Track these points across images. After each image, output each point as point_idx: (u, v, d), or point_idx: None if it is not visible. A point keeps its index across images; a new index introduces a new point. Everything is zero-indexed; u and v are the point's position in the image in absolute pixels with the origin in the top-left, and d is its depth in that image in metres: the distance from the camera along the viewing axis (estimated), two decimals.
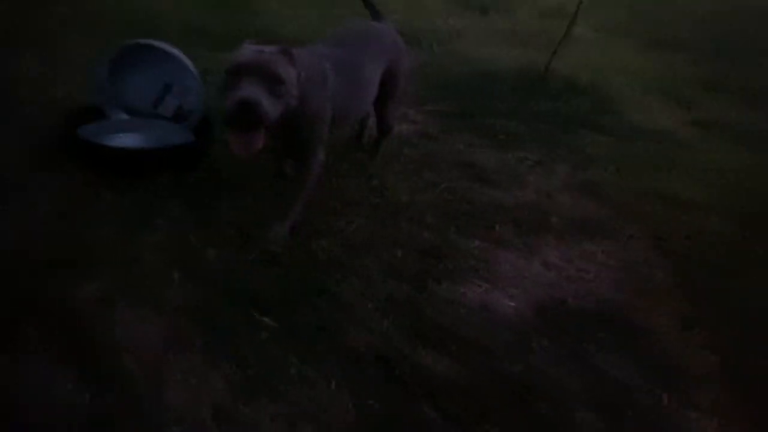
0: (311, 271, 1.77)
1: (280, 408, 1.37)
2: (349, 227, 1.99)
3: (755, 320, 1.85)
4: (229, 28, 3.36)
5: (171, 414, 1.31)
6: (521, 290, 1.87)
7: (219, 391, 1.38)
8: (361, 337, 1.57)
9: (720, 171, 2.76)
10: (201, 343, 1.48)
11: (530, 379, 1.54)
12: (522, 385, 1.52)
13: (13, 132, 2.14)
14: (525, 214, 2.25)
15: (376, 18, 2.31)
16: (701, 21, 5.53)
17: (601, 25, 4.96)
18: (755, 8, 6.14)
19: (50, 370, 1.35)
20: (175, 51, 2.27)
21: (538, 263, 2.02)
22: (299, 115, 1.75)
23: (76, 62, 2.70)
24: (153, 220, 1.84)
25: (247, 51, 1.67)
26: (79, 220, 1.81)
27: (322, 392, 1.42)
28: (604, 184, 2.54)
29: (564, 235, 2.19)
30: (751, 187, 2.65)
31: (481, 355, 1.59)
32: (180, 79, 2.31)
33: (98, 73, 2.28)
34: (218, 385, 1.39)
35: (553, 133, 2.93)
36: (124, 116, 2.32)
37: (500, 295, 1.84)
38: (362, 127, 2.54)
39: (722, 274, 2.05)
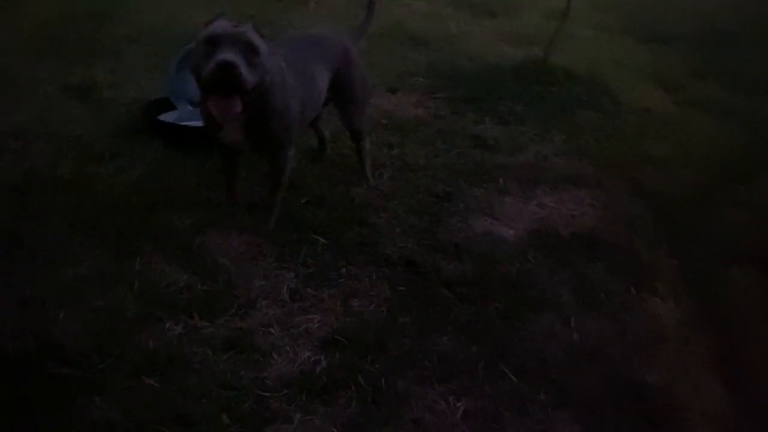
0: (351, 209, 2.32)
1: (335, 291, 1.92)
2: (378, 181, 2.54)
3: (710, 237, 2.37)
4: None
5: (259, 293, 1.86)
6: (519, 222, 2.41)
7: (291, 280, 1.93)
8: (392, 249, 2.12)
9: (694, 138, 3.29)
10: (275, 253, 2.03)
11: (524, 275, 2.08)
12: (518, 279, 2.05)
13: (105, 118, 2.74)
14: (524, 171, 2.79)
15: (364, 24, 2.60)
16: (696, 15, 6.07)
17: (600, 25, 5.52)
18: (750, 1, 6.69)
19: (167, 269, 1.91)
20: None
21: (534, 205, 2.56)
22: (268, 108, 1.94)
23: (139, 69, 3.31)
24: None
25: (223, 23, 1.83)
26: (166, 177, 2.38)
27: (365, 282, 1.97)
28: (593, 149, 3.07)
29: (557, 185, 2.72)
30: (719, 149, 3.17)
31: (485, 260, 2.12)
32: None
33: (167, 72, 2.88)
34: (290, 276, 1.94)
35: (551, 111, 3.46)
36: (189, 107, 2.90)
37: (501, 226, 2.38)
38: (321, 141, 2.68)
39: (687, 208, 2.57)
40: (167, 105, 2.87)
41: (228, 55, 1.73)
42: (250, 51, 1.79)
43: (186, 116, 2.79)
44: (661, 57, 4.79)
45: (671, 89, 4.07)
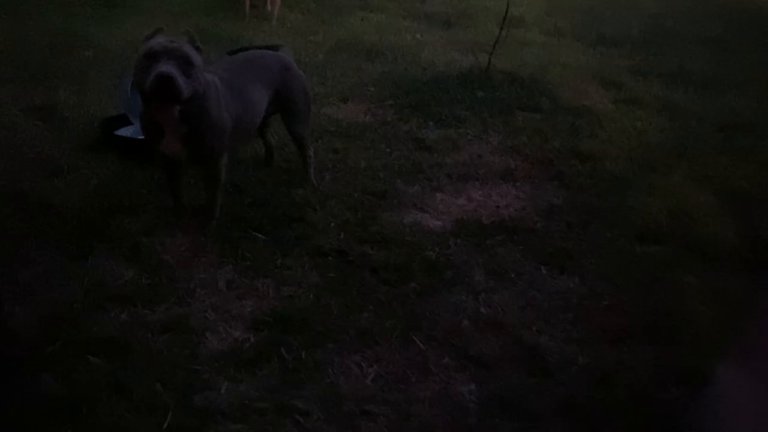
0: (291, 208, 2.56)
1: (268, 281, 2.16)
2: (320, 183, 2.79)
3: (621, 221, 2.63)
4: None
5: (197, 284, 2.10)
6: (447, 215, 2.67)
7: (229, 272, 2.17)
8: (325, 242, 2.36)
9: (624, 133, 3.57)
10: (216, 249, 2.28)
11: (443, 259, 2.33)
12: (436, 262, 2.31)
13: (65, 136, 2.97)
14: (458, 169, 3.05)
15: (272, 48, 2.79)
16: (643, 17, 6.41)
17: (551, 31, 5.83)
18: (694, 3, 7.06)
19: (115, 267, 2.14)
20: None
21: (464, 199, 2.82)
22: (203, 122, 2.16)
23: (99, 90, 3.55)
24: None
25: (161, 39, 2.05)
26: (119, 187, 2.62)
27: (297, 271, 2.21)
28: (527, 147, 3.33)
29: (487, 181, 2.98)
30: (646, 143, 3.45)
31: (409, 248, 2.38)
32: None
33: (123, 90, 3.12)
34: (228, 269, 2.18)
35: (492, 114, 3.73)
36: None
37: (430, 218, 2.63)
38: (268, 150, 2.91)
39: (604, 196, 2.84)
40: (124, 121, 3.11)
41: (165, 67, 1.97)
42: (185, 63, 2.03)
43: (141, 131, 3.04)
44: (606, 58, 5.10)
45: (611, 88, 4.36)
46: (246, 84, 2.44)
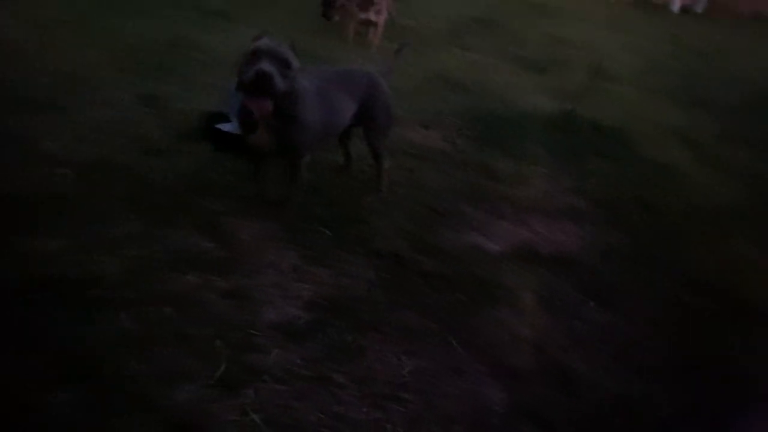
0: (358, 211, 2.77)
1: (328, 271, 2.36)
2: (388, 193, 2.99)
3: (676, 270, 2.68)
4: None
5: (265, 263, 2.32)
6: (505, 241, 2.80)
7: (294, 258, 2.39)
8: (383, 245, 2.55)
9: (696, 191, 3.60)
10: (285, 237, 2.50)
11: (494, 278, 2.46)
12: (487, 279, 2.44)
13: (169, 123, 3.32)
14: (523, 202, 3.18)
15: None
16: (746, 83, 6.34)
17: (646, 87, 5.89)
18: None
19: (195, 238, 2.40)
20: None
21: (525, 230, 2.94)
22: (291, 119, 2.38)
23: (205, 88, 3.92)
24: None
25: (265, 40, 2.33)
26: (209, 172, 2.90)
27: (355, 266, 2.40)
28: (595, 191, 3.43)
29: (550, 216, 3.10)
30: (715, 203, 3.48)
31: (463, 263, 2.52)
32: None
33: (227, 91, 3.46)
34: (294, 255, 2.40)
35: (567, 156, 3.85)
36: None
37: (488, 242, 2.77)
38: (347, 158, 3.14)
39: (663, 245, 2.89)
40: (223, 118, 3.43)
41: (265, 65, 2.24)
42: (284, 64, 2.29)
43: (238, 128, 3.35)
44: (696, 120, 5.11)
45: (693, 148, 4.39)
46: (335, 94, 2.69)
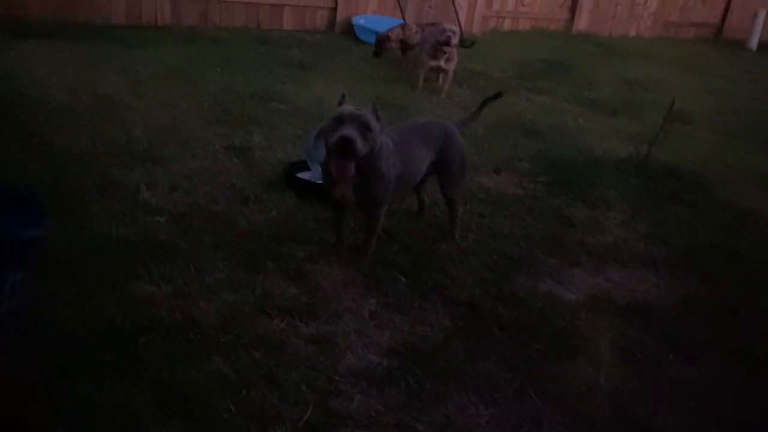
0: (433, 259, 2.85)
1: (405, 318, 2.44)
2: (463, 242, 3.05)
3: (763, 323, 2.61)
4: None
5: (346, 309, 2.43)
6: (581, 289, 2.80)
7: (372, 304, 2.48)
8: (459, 293, 2.61)
9: None
10: (364, 284, 2.60)
11: (571, 328, 2.47)
12: (564, 330, 2.45)
13: (255, 172, 3.52)
14: (600, 249, 3.18)
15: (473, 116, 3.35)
16: None
17: (722, 129, 5.75)
18: None
19: (281, 283, 2.53)
20: None
21: (601, 278, 2.94)
22: (371, 175, 2.51)
23: (287, 138, 4.13)
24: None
25: (350, 106, 2.49)
26: (293, 219, 3.06)
27: (431, 314, 2.47)
28: (674, 238, 3.38)
29: (628, 265, 3.08)
30: None
31: (540, 313, 2.55)
32: None
33: (306, 141, 3.64)
34: (372, 302, 2.49)
35: (643, 202, 3.81)
36: (321, 169, 3.62)
37: (564, 290, 2.78)
38: (420, 205, 3.27)
39: (749, 297, 2.82)
40: (304, 166, 3.61)
41: (348, 131, 2.38)
42: (365, 128, 2.43)
43: (317, 176, 3.50)
44: None
45: None
46: (412, 147, 2.81)
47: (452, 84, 5.81)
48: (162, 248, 2.66)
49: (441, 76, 5.77)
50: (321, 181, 2.82)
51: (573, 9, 9.54)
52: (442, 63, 5.58)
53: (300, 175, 3.50)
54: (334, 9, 7.43)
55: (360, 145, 2.39)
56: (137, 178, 3.24)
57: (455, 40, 5.53)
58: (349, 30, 7.35)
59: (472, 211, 3.39)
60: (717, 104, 6.72)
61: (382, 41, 6.13)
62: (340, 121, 2.42)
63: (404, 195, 3.14)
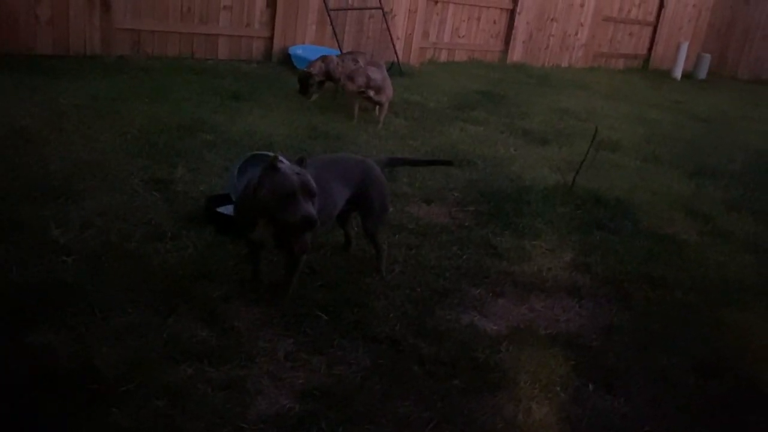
0: (356, 294, 2.77)
1: (323, 358, 2.34)
2: (389, 275, 2.99)
3: (682, 350, 2.62)
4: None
5: (260, 351, 2.32)
6: (504, 320, 2.77)
7: (289, 345, 2.38)
8: (381, 329, 2.53)
9: (703, 264, 3.54)
10: (282, 323, 2.50)
11: (492, 362, 2.42)
12: (484, 364, 2.40)
13: (175, 207, 3.39)
14: (524, 279, 3.16)
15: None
16: (749, 151, 6.35)
17: (650, 157, 5.91)
18: None
19: (192, 325, 2.40)
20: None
21: (525, 308, 2.92)
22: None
23: (213, 170, 4.02)
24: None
25: (292, 175, 2.33)
26: (210, 257, 2.94)
27: (351, 353, 2.38)
28: (598, 266, 3.40)
29: (552, 294, 3.07)
30: (724, 277, 3.42)
31: (460, 346, 2.49)
32: None
33: (231, 173, 3.54)
34: (290, 342, 2.39)
35: (570, 230, 3.84)
36: None
37: (487, 321, 2.75)
38: (347, 239, 3.19)
39: (668, 323, 2.83)
40: (227, 200, 3.50)
41: (307, 209, 2.30)
42: (312, 196, 2.37)
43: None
44: (701, 190, 5.09)
45: (699, 219, 4.35)
46: (329, 182, 2.71)
47: (389, 114, 5.81)
48: (66, 291, 2.50)
49: (378, 107, 5.77)
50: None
51: (507, 40, 9.77)
52: (371, 94, 5.57)
53: (222, 209, 3.38)
54: (271, 38, 7.39)
55: (317, 219, 2.33)
56: (48, 215, 3.07)
57: (376, 75, 5.55)
58: (286, 59, 7.31)
59: (400, 243, 3.34)
60: (644, 132, 6.93)
61: (305, 78, 6.04)
62: (292, 196, 2.31)
63: (323, 230, 3.06)
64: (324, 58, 6.15)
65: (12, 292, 2.45)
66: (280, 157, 2.45)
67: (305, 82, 6.04)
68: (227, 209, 3.39)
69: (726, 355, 2.66)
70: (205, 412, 1.99)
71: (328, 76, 6.10)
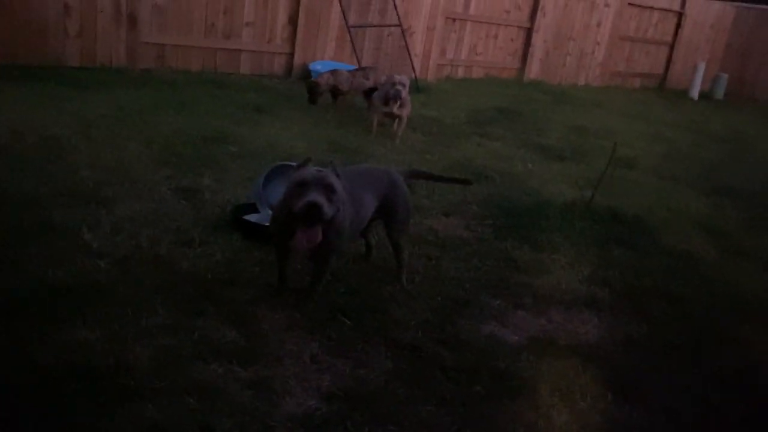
0: (378, 301, 2.84)
1: (347, 361, 2.41)
2: (409, 284, 3.06)
3: (703, 365, 2.66)
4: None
5: (286, 353, 2.39)
6: (524, 331, 2.83)
7: (315, 348, 2.45)
8: (402, 336, 2.60)
9: (723, 282, 3.58)
10: (308, 327, 2.57)
11: (512, 370, 2.48)
12: (505, 372, 2.46)
13: (203, 214, 3.49)
14: (544, 292, 3.22)
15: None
16: (766, 173, 6.35)
17: (667, 175, 5.96)
18: None
19: (221, 327, 2.48)
20: None
21: (544, 319, 2.97)
22: (330, 228, 2.43)
23: (237, 180, 4.12)
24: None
25: (310, 170, 2.43)
26: (237, 262, 3.02)
27: (373, 357, 2.44)
28: (617, 281, 3.44)
29: (571, 307, 3.12)
30: (744, 295, 3.45)
31: (481, 355, 2.55)
32: None
33: (256, 183, 3.63)
34: (315, 345, 2.46)
35: (588, 245, 3.89)
36: (269, 211, 3.61)
37: (507, 332, 2.80)
38: (368, 248, 3.28)
39: (687, 338, 2.88)
40: (252, 208, 3.60)
41: (314, 196, 2.33)
42: (330, 191, 2.39)
43: (266, 219, 3.49)
44: (719, 208, 5.13)
45: (718, 237, 4.39)
46: (360, 193, 2.79)
47: (406, 129, 5.91)
48: (99, 292, 2.59)
49: (396, 121, 5.86)
50: (268, 224, 2.79)
51: (524, 58, 9.88)
52: (395, 109, 5.68)
53: (248, 217, 3.48)
54: (292, 54, 7.55)
55: (327, 210, 2.35)
56: (79, 220, 3.18)
57: (405, 93, 5.63)
58: (307, 75, 7.45)
59: (419, 254, 3.41)
60: (661, 150, 6.98)
61: (312, 87, 6.19)
62: (304, 185, 2.36)
63: (353, 241, 3.13)
64: (333, 72, 6.32)
65: (47, 293, 2.54)
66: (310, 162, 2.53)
67: (313, 91, 6.20)
68: (253, 217, 3.49)
69: (743, 372, 2.70)
70: (235, 409, 2.06)
71: (335, 89, 6.27)
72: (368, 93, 6.39)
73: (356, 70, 6.61)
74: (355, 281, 2.98)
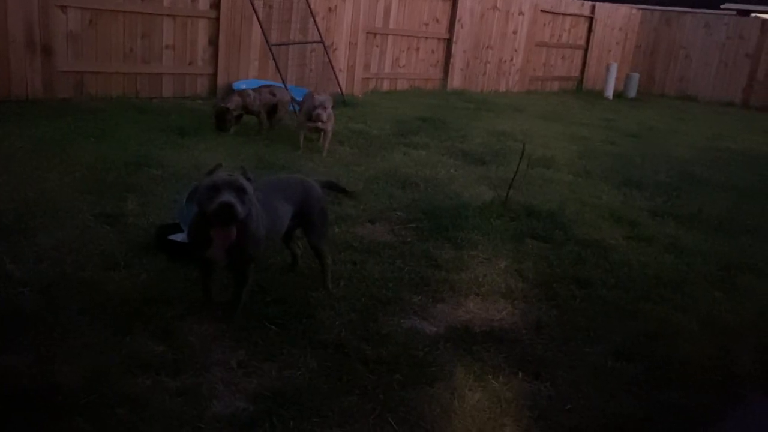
0: (304, 306, 2.99)
1: (273, 364, 2.55)
2: (335, 288, 3.22)
3: (604, 339, 2.93)
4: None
5: (214, 362, 2.51)
6: (442, 322, 3.04)
7: (241, 355, 2.58)
8: (327, 336, 2.76)
9: (627, 266, 3.89)
10: (234, 336, 2.70)
11: (429, 358, 2.67)
12: (423, 360, 2.65)
13: (127, 238, 3.56)
14: (462, 286, 3.44)
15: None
16: (674, 164, 6.86)
17: (581, 171, 6.34)
18: (722, 152, 7.47)
19: (148, 342, 2.58)
20: None
21: (462, 311, 3.19)
22: (245, 235, 2.59)
23: (161, 203, 4.20)
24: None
25: (220, 174, 2.56)
26: (163, 281, 3.12)
27: (299, 358, 2.59)
28: (530, 271, 3.71)
29: (487, 297, 3.35)
30: (642, 275, 3.78)
31: (401, 347, 2.74)
32: None
33: (178, 202, 3.73)
34: (242, 353, 2.59)
35: (504, 241, 4.15)
36: None
37: (426, 324, 3.00)
38: (294, 257, 3.41)
39: (593, 317, 3.14)
40: (177, 228, 3.69)
41: (227, 197, 2.48)
42: (241, 192, 2.55)
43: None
44: (628, 199, 5.52)
45: (625, 226, 4.74)
46: (275, 202, 2.96)
47: (333, 143, 6.10)
48: (25, 319, 2.65)
49: (321, 135, 6.04)
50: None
51: (446, 68, 10.25)
52: (319, 124, 5.86)
53: (173, 236, 3.57)
54: (215, 75, 7.64)
55: (239, 209, 2.50)
56: (1, 251, 3.21)
57: (325, 115, 5.81)
58: (225, 95, 7.54)
59: (345, 260, 3.58)
60: (577, 149, 7.40)
61: (222, 114, 6.16)
62: (215, 188, 2.51)
63: (272, 249, 3.28)
64: (240, 93, 6.38)
65: None
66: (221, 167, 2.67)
67: (222, 117, 6.16)
68: (178, 237, 3.58)
69: (641, 342, 2.98)
70: (164, 416, 2.17)
71: (246, 109, 6.31)
72: (272, 111, 6.50)
73: (261, 87, 6.66)
74: (281, 291, 3.12)
